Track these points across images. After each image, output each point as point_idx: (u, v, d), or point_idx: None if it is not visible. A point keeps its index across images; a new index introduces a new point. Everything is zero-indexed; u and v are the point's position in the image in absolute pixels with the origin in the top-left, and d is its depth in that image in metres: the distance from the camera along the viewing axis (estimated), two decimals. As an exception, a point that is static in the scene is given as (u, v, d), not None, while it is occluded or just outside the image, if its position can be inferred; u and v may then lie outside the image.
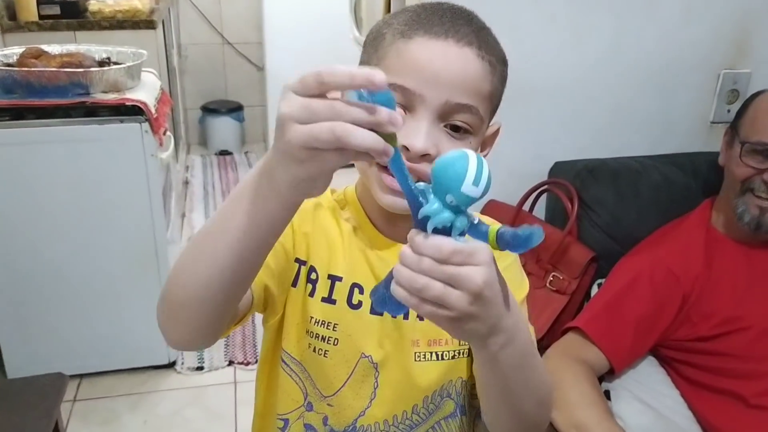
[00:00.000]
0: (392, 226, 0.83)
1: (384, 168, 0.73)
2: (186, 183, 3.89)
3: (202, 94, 4.46)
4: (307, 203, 0.83)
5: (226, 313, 0.68)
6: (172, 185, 2.61)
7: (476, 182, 0.53)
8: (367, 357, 0.83)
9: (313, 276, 0.83)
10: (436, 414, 0.87)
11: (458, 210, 0.55)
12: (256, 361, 2.35)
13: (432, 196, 0.55)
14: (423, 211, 0.55)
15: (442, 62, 0.71)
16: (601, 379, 1.31)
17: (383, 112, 0.50)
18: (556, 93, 1.60)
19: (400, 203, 0.72)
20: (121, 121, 1.99)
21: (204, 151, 4.48)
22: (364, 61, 0.78)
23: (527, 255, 1.50)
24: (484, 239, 0.57)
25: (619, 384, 1.32)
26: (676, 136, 1.68)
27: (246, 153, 4.47)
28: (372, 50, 0.77)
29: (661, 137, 1.68)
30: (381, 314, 0.81)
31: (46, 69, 1.97)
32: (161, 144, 2.12)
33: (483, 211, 1.62)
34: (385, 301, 0.60)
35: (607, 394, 1.30)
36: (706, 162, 1.53)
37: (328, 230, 0.84)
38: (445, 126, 0.73)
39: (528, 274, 1.48)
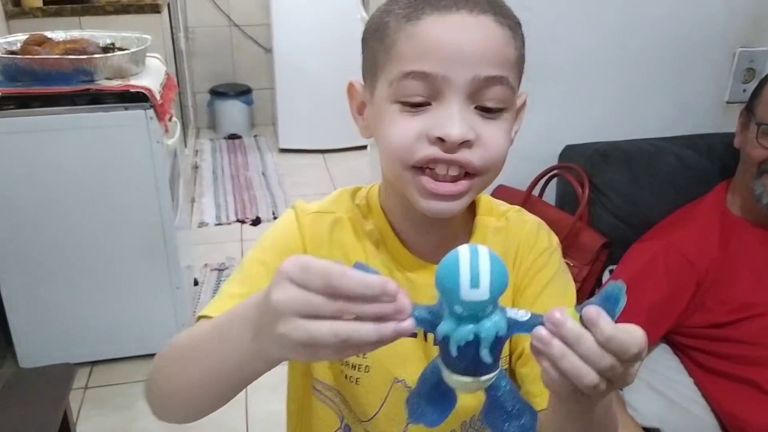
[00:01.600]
0: (422, 236, 0.77)
1: (420, 170, 0.68)
2: (195, 167, 3.88)
3: (210, 77, 4.44)
4: (325, 220, 0.79)
5: (217, 405, 0.65)
6: (179, 171, 2.60)
7: (475, 284, 0.47)
8: (401, 381, 0.79)
9: None
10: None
11: (477, 318, 0.48)
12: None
13: (446, 311, 0.49)
14: (440, 332, 0.49)
15: (461, 36, 0.65)
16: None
17: (389, 305, 0.47)
18: (566, 73, 1.56)
19: (446, 207, 0.69)
20: (126, 108, 1.97)
21: (213, 135, 4.47)
22: (370, 59, 0.72)
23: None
24: (529, 329, 0.50)
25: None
26: (691, 116, 1.64)
27: (255, 136, 4.45)
28: (376, 44, 0.70)
29: (675, 117, 1.63)
30: (414, 336, 0.77)
31: (50, 56, 1.95)
32: (167, 131, 2.10)
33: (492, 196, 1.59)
34: (423, 412, 0.56)
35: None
36: (721, 143, 1.49)
37: (348, 251, 0.78)
38: (477, 108, 0.67)
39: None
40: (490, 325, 0.48)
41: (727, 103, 1.65)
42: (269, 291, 0.49)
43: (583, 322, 0.48)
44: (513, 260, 0.80)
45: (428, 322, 0.50)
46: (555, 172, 1.54)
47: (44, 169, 2.00)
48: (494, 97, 0.67)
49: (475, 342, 0.48)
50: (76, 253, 2.12)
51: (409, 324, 0.47)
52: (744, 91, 1.63)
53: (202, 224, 3.28)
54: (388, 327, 0.47)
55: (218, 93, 4.38)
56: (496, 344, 0.49)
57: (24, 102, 1.92)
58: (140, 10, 2.81)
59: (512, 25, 0.69)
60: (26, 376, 1.56)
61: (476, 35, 0.66)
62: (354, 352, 0.48)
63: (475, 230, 0.79)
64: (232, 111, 4.39)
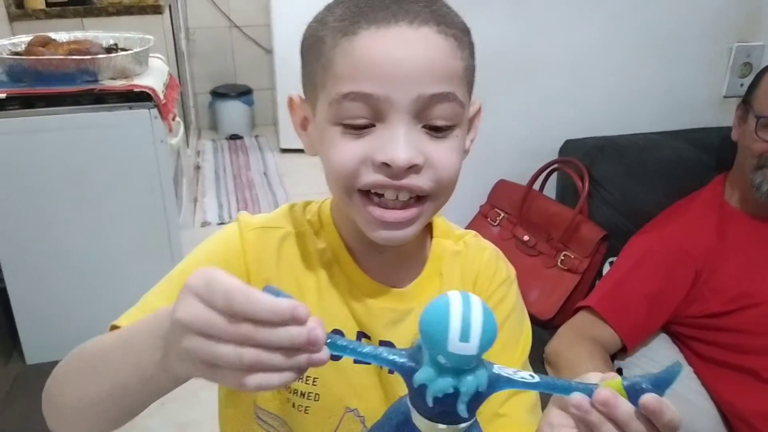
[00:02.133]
0: (377, 256, 0.72)
1: (366, 194, 0.64)
2: (197, 168, 3.90)
3: (211, 78, 4.46)
4: (271, 236, 0.73)
5: (114, 425, 0.61)
6: (183, 170, 2.62)
7: (465, 337, 0.43)
8: (353, 411, 0.73)
9: None
10: None
11: (460, 371, 0.45)
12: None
13: (426, 358, 0.46)
14: (417, 380, 0.46)
15: (401, 52, 0.60)
16: (613, 357, 1.31)
17: (300, 335, 0.43)
18: (564, 69, 1.59)
19: (396, 235, 0.65)
20: (130, 108, 1.99)
21: (215, 136, 4.48)
22: (308, 75, 0.67)
23: (539, 235, 1.49)
24: (518, 387, 0.49)
25: (631, 362, 1.32)
26: (688, 110, 1.66)
27: (256, 137, 4.47)
28: (313, 59, 0.66)
29: (673, 112, 1.66)
30: (367, 363, 0.78)
31: (54, 57, 1.97)
32: (170, 129, 2.12)
33: (492, 192, 1.61)
34: None
35: (619, 372, 1.29)
36: (718, 137, 1.51)
37: (296, 270, 0.72)
38: (424, 127, 0.62)
39: (539, 253, 1.50)
40: (472, 380, 0.46)
41: (724, 97, 1.67)
42: (175, 305, 0.45)
43: (630, 398, 0.47)
44: (472, 287, 0.76)
45: (396, 362, 0.48)
46: (555, 166, 1.56)
47: (49, 168, 2.01)
48: (442, 115, 0.62)
49: (454, 395, 0.46)
50: (82, 251, 2.14)
51: (323, 355, 0.44)
52: (741, 85, 1.65)
53: (204, 223, 3.29)
54: (300, 358, 0.43)
55: (219, 94, 4.40)
56: (475, 399, 0.47)
57: (28, 102, 1.94)
58: (142, 11, 2.83)
59: (458, 34, 0.64)
60: (34, 372, 1.57)
61: (418, 50, 0.61)
62: (265, 385, 0.44)
63: (431, 253, 0.76)
64: (233, 111, 4.41)
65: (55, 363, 1.58)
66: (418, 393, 0.46)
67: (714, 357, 1.30)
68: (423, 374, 0.46)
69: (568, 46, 1.57)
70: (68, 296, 2.18)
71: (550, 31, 1.54)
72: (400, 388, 0.67)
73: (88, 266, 2.16)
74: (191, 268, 0.66)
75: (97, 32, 2.28)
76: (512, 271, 0.80)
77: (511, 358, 0.74)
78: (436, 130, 0.63)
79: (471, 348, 0.43)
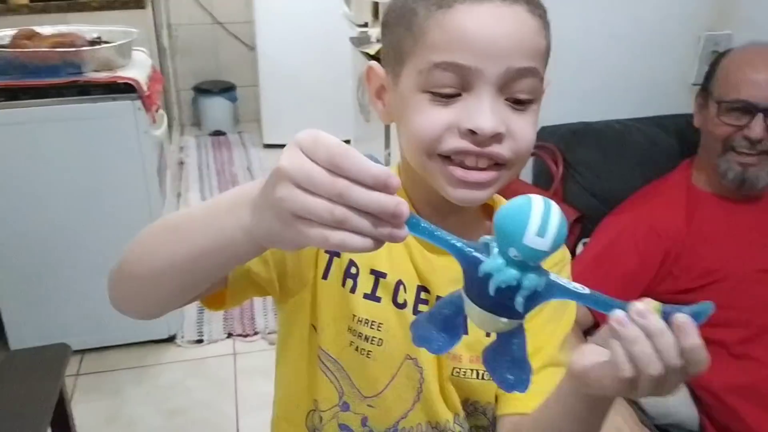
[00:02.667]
0: (442, 221, 0.74)
1: (447, 158, 0.68)
2: (181, 164, 3.92)
3: (194, 74, 4.47)
4: None
5: (178, 298, 0.65)
6: (166, 164, 2.64)
7: (541, 233, 0.46)
8: (413, 359, 0.77)
9: (353, 270, 0.76)
10: (471, 419, 0.83)
11: (525, 266, 0.48)
12: (255, 333, 2.41)
13: (495, 250, 0.49)
14: (484, 268, 0.49)
15: (496, 27, 0.64)
16: (586, 334, 1.36)
17: (390, 203, 0.45)
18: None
19: (474, 195, 0.68)
20: (114, 99, 2.01)
21: (198, 132, 4.50)
22: (395, 44, 0.70)
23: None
24: (570, 298, 0.52)
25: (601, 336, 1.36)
26: (660, 97, 1.71)
27: (240, 133, 4.49)
28: (403, 30, 0.69)
29: (646, 100, 1.71)
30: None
31: (39, 49, 1.99)
32: (154, 121, 2.15)
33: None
34: (429, 339, 0.56)
35: (592, 347, 1.34)
36: (686, 123, 1.55)
37: None
38: (507, 99, 0.66)
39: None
40: (535, 277, 0.49)
41: (694, 84, 1.72)
42: (282, 155, 0.47)
43: (667, 321, 0.51)
44: None
45: (462, 250, 0.50)
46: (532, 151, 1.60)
47: (34, 160, 2.03)
48: (525, 89, 0.66)
49: (515, 288, 0.49)
50: (67, 242, 2.16)
51: (404, 232, 0.47)
52: (706, 74, 1.70)
53: (188, 218, 3.31)
54: (384, 229, 0.46)
55: (202, 90, 4.41)
56: (532, 297, 0.50)
57: (13, 94, 1.96)
58: (125, 5, 2.84)
59: (542, 14, 0.68)
60: (22, 355, 1.59)
61: (509, 26, 0.64)
62: (348, 244, 0.46)
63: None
64: (217, 108, 4.43)
65: (44, 346, 1.58)
66: (479, 283, 0.49)
67: None
68: (492, 263, 0.48)
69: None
70: (53, 287, 2.20)
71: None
72: (455, 349, 0.72)
73: (72, 257, 2.18)
74: None
75: (81, 26, 2.29)
76: (567, 255, 0.85)
77: (553, 332, 0.79)
78: (517, 103, 0.66)
79: (545, 244, 0.47)
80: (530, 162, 1.63)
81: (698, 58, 1.71)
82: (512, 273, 0.48)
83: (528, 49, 0.66)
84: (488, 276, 0.49)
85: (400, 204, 0.46)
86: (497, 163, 0.68)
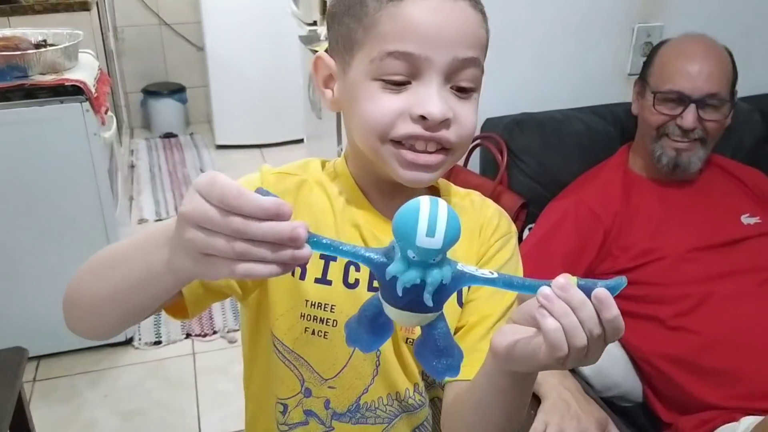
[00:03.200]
0: (389, 200, 0.80)
1: (398, 143, 0.72)
2: (132, 166, 3.88)
3: (142, 76, 4.42)
4: (289, 180, 0.81)
5: (124, 323, 0.68)
6: (117, 167, 2.63)
7: (431, 233, 0.50)
8: None
9: None
10: (431, 390, 0.87)
11: (427, 264, 0.52)
12: (213, 332, 2.42)
13: (398, 254, 0.53)
14: (389, 272, 0.53)
15: (443, 19, 0.69)
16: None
17: (284, 230, 0.49)
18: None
19: (424, 176, 0.73)
20: (62, 102, 2.01)
21: (148, 134, 4.45)
22: (344, 34, 0.74)
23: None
24: (479, 284, 0.55)
25: (550, 317, 1.43)
26: (597, 87, 1.79)
27: (191, 134, 4.46)
28: (353, 21, 0.73)
29: (583, 90, 1.77)
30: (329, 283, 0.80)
31: (-19, 53, 1.96)
32: (103, 123, 2.14)
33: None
34: (359, 339, 0.60)
35: (538, 326, 1.40)
36: (623, 111, 1.64)
37: (314, 207, 0.80)
38: (452, 88, 0.71)
39: (465, 223, 1.59)
40: (437, 272, 0.52)
41: (629, 74, 1.81)
42: (183, 201, 0.52)
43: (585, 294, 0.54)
44: (478, 237, 0.84)
45: (369, 258, 0.54)
46: (477, 142, 1.66)
47: (-19, 165, 2.01)
48: (468, 78, 0.71)
49: (421, 286, 0.53)
50: (17, 248, 2.13)
51: (306, 252, 0.50)
52: (643, 63, 1.79)
53: (141, 220, 3.29)
54: (285, 253, 0.50)
55: (151, 92, 4.37)
56: (440, 291, 0.53)
57: (-43, 100, 1.94)
58: (69, 8, 2.81)
59: (482, 8, 0.74)
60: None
61: (455, 18, 0.69)
62: (254, 272, 0.50)
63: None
64: (167, 110, 4.39)
65: None
66: (389, 285, 0.53)
67: (624, 308, 1.37)
68: (395, 267, 0.52)
69: (490, 30, 1.66)
70: (4, 289, 2.17)
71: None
72: None
73: (23, 262, 2.15)
74: None
75: (26, 29, 2.27)
76: (513, 228, 0.90)
77: (499, 301, 0.83)
78: (461, 91, 0.72)
79: (436, 243, 0.50)
80: (477, 152, 1.69)
81: (632, 48, 1.79)
82: (414, 273, 0.52)
83: (471, 40, 0.71)
84: (395, 279, 0.53)
85: (296, 228, 0.49)
86: (444, 147, 0.73)
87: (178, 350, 2.36)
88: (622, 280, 0.56)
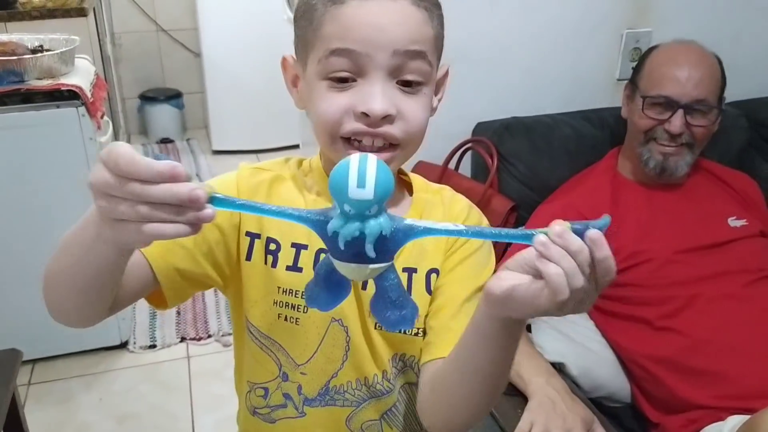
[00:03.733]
0: None
1: (348, 141, 0.75)
2: (128, 172, 3.88)
3: (139, 82, 4.44)
4: (264, 175, 0.85)
5: (93, 306, 0.71)
6: (113, 171, 2.64)
7: (361, 184, 0.52)
8: (338, 321, 0.84)
9: (272, 247, 0.82)
10: (400, 377, 0.89)
11: (365, 217, 0.54)
12: (209, 336, 2.43)
13: (337, 211, 0.55)
14: (330, 228, 0.55)
15: (383, 17, 0.72)
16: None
17: (181, 191, 0.50)
18: (476, 57, 1.70)
19: None
20: (58, 107, 2.02)
21: (145, 140, 4.47)
22: (300, 36, 0.79)
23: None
24: (420, 235, 0.57)
25: (540, 318, 1.44)
26: (586, 92, 1.81)
27: (188, 140, 4.47)
28: (305, 23, 0.77)
29: (573, 94, 1.80)
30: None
31: (-23, 58, 1.98)
32: (99, 128, 2.15)
33: (412, 171, 1.72)
34: (317, 298, 0.62)
35: (528, 327, 1.42)
36: (612, 116, 1.66)
37: (287, 200, 0.84)
38: (398, 83, 0.73)
39: (455, 226, 1.61)
40: (374, 224, 0.55)
41: (618, 80, 1.83)
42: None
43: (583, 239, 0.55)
44: None
45: (308, 218, 0.56)
46: (468, 146, 1.68)
47: (-23, 169, 2.02)
48: (414, 71, 0.74)
49: (361, 238, 0.55)
50: (10, 252, 2.14)
51: (208, 212, 0.52)
52: (632, 68, 1.81)
53: (137, 225, 3.30)
54: (188, 213, 0.52)
55: (148, 98, 4.39)
56: (381, 242, 0.55)
57: (-46, 104, 1.95)
58: (66, 14, 2.82)
59: (429, 6, 0.76)
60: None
61: (395, 17, 0.72)
62: (160, 233, 0.52)
63: (413, 203, 0.88)
64: (163, 115, 4.40)
65: None
66: (332, 242, 0.56)
67: (612, 310, 1.44)
68: (334, 223, 0.55)
69: (478, 37, 1.68)
70: (2, 293, 2.18)
71: (464, 22, 1.65)
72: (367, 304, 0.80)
73: (17, 266, 2.15)
74: None
75: (22, 35, 2.28)
76: (484, 221, 0.93)
77: (469, 285, 0.84)
78: (407, 85, 0.74)
79: (367, 194, 0.53)
80: (468, 156, 1.71)
81: (621, 54, 1.82)
82: (353, 225, 0.54)
83: (413, 35, 0.73)
84: (336, 234, 0.55)
85: (194, 190, 0.51)
86: (392, 144, 0.76)
87: (173, 354, 2.37)
88: (607, 219, 0.57)
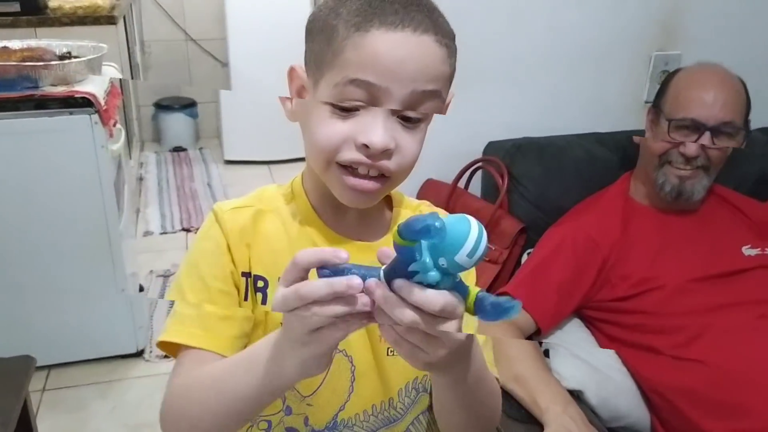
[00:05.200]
0: (341, 218, 0.83)
1: (344, 168, 0.75)
2: (140, 179, 3.91)
3: (154, 90, 4.47)
4: (244, 213, 0.83)
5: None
6: (125, 179, 2.64)
7: (471, 254, 0.53)
8: (341, 351, 0.83)
9: (260, 284, 0.82)
10: (414, 409, 0.88)
11: (446, 272, 0.55)
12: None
13: (426, 252, 0.55)
14: (414, 266, 0.55)
15: (404, 54, 0.70)
16: (529, 339, 1.40)
17: (339, 285, 0.57)
18: (493, 76, 1.68)
19: (363, 200, 0.77)
20: (71, 113, 2.02)
21: (158, 148, 4.49)
22: (316, 52, 0.76)
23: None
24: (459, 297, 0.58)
25: (557, 344, 1.41)
26: (613, 115, 1.78)
27: (200, 149, 4.49)
28: (324, 43, 0.75)
29: (598, 117, 1.77)
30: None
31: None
32: (111, 135, 2.15)
33: (420, 189, 1.70)
34: None
35: (546, 353, 1.39)
36: (626, 139, 1.63)
37: (271, 235, 0.83)
38: (399, 117, 0.73)
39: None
40: (449, 282, 0.56)
41: (646, 102, 1.79)
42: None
43: (476, 308, 0.58)
44: None
45: (403, 250, 0.57)
46: (478, 165, 1.66)
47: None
48: (424, 109, 0.73)
49: (431, 285, 0.56)
50: (23, 258, 2.14)
51: (376, 292, 0.58)
52: (657, 92, 1.78)
53: (147, 233, 3.31)
54: (357, 302, 0.58)
55: (163, 106, 4.41)
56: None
57: (-32, 108, 1.95)
58: (96, 21, 2.85)
59: (450, 43, 0.75)
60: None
61: (417, 55, 0.71)
62: (352, 329, 0.60)
63: (394, 218, 0.88)
64: (177, 124, 4.43)
65: (3, 359, 1.55)
66: (403, 273, 0.57)
67: (621, 338, 1.40)
68: (422, 263, 0.55)
69: (496, 56, 1.67)
70: (13, 302, 2.17)
71: (486, 43, 1.63)
72: (378, 332, 0.81)
73: (31, 273, 2.15)
74: (193, 270, 0.81)
75: (51, 40, 2.28)
76: None
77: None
78: (408, 121, 0.73)
79: (470, 263, 0.54)
80: (479, 175, 1.69)
81: (649, 77, 1.80)
82: (434, 275, 0.55)
83: (432, 74, 0.72)
84: (414, 273, 0.55)
85: (350, 288, 0.57)
86: (383, 175, 0.75)
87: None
88: (516, 305, 0.56)
